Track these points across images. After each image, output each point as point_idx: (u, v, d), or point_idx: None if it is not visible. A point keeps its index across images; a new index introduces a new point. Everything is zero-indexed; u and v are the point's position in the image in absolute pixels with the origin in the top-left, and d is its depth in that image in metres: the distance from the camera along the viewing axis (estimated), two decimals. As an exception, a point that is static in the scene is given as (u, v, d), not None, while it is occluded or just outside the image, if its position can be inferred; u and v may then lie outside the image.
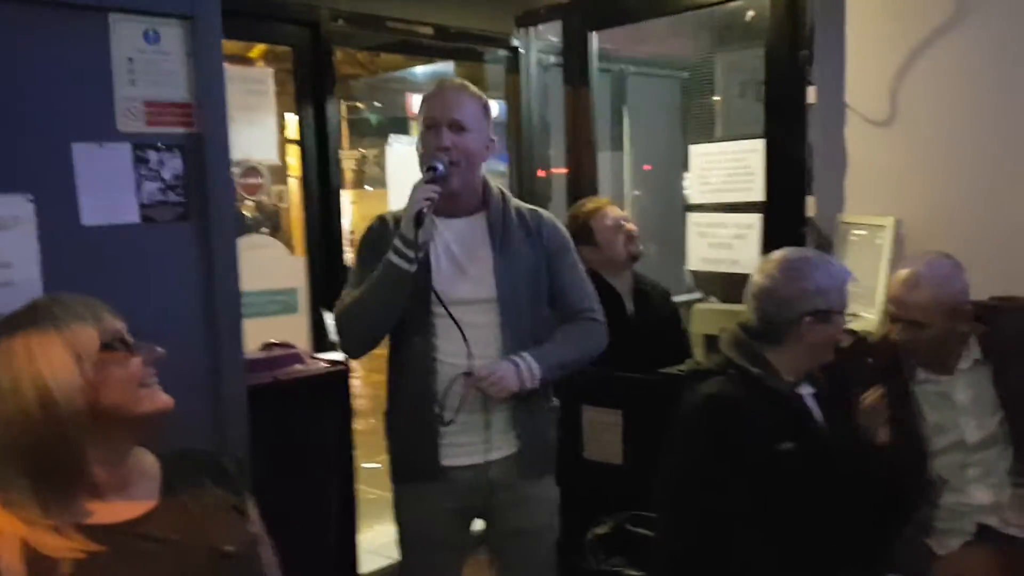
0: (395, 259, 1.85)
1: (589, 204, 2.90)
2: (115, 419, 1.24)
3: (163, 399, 1.30)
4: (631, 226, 2.86)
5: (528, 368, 1.89)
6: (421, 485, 1.98)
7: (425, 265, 1.90)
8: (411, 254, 1.81)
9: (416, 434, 1.96)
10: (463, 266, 1.93)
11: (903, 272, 2.07)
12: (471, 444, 1.94)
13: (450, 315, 1.88)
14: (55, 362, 1.19)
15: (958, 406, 2.09)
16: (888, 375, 2.11)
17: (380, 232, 1.99)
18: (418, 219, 1.80)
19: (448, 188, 1.89)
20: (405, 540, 2.07)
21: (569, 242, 2.07)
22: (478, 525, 2.09)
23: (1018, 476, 2.05)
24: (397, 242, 1.85)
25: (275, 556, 1.46)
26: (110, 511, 1.25)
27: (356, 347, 2.01)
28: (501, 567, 2.09)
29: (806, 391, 1.91)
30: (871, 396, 1.96)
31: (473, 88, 2.00)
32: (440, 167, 1.87)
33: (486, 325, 1.93)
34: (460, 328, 1.88)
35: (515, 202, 2.05)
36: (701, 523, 1.80)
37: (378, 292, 1.89)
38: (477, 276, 1.93)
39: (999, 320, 2.15)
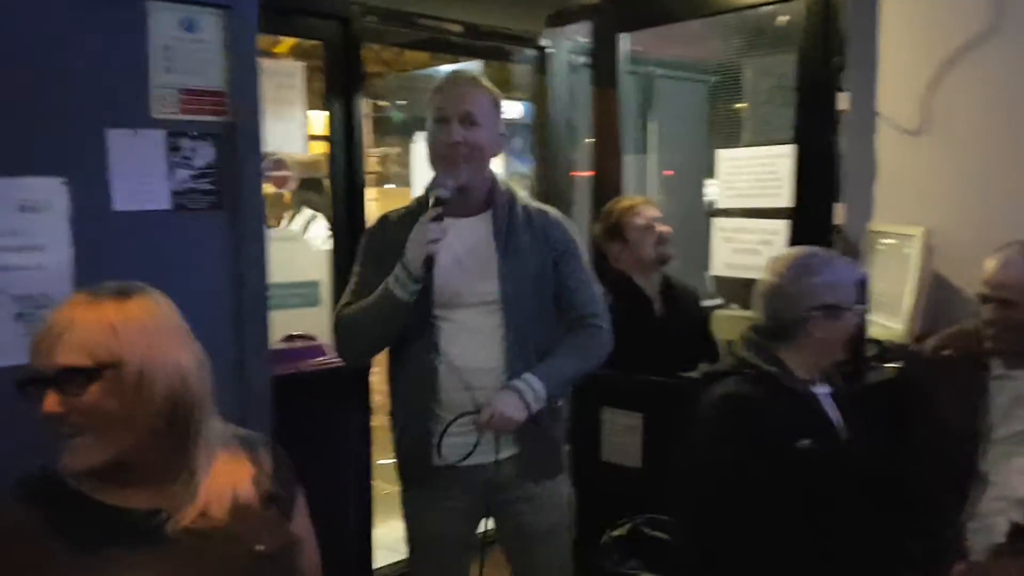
0: (396, 289, 1.83)
1: (625, 201, 2.89)
2: None
3: (63, 463, 1.17)
4: (664, 228, 2.84)
5: (532, 391, 1.87)
6: (426, 485, 1.98)
7: (429, 276, 1.87)
8: (414, 288, 1.82)
9: (419, 434, 1.95)
10: (467, 267, 1.91)
11: (997, 255, 2.12)
12: (479, 444, 1.91)
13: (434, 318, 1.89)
14: None
15: None
16: (964, 367, 2.14)
17: (381, 233, 1.98)
18: (428, 263, 1.79)
19: (458, 184, 1.87)
20: (413, 539, 2.07)
21: (577, 243, 2.03)
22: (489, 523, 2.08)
23: None
24: (400, 273, 1.82)
25: (318, 561, 1.44)
26: (144, 497, 1.23)
27: (353, 357, 2.05)
28: (516, 568, 2.08)
29: (822, 391, 1.91)
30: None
31: (485, 81, 1.98)
32: (445, 195, 1.83)
33: (489, 328, 1.91)
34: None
35: (524, 201, 2.01)
36: (718, 524, 1.79)
37: (376, 314, 1.88)
38: (481, 278, 1.90)
39: None
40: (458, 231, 1.91)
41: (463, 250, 1.92)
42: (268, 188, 4.03)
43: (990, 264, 2.12)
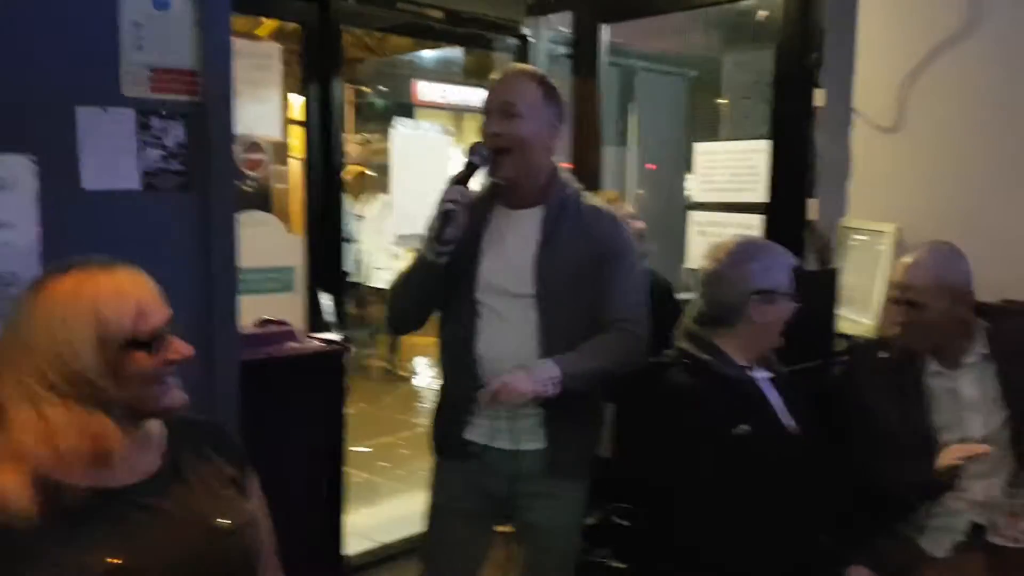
0: (424, 249, 1.89)
1: (600, 196, 2.89)
2: (120, 406, 1.23)
3: (171, 400, 1.27)
4: (639, 224, 2.84)
5: (545, 370, 1.81)
6: (455, 458, 2.00)
7: (474, 251, 1.91)
8: (438, 248, 1.84)
9: (451, 410, 2.00)
10: (509, 259, 1.91)
11: (905, 258, 2.13)
12: (500, 431, 1.92)
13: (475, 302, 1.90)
14: (78, 336, 1.18)
15: (964, 401, 2.12)
16: (901, 368, 2.15)
17: None
18: (445, 219, 1.80)
19: (498, 177, 1.89)
20: (430, 510, 2.08)
21: (624, 246, 1.96)
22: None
23: (1015, 485, 2.06)
24: (428, 233, 1.88)
25: (273, 538, 1.45)
26: (109, 475, 1.23)
27: (397, 324, 2.11)
28: (524, 559, 2.08)
29: (761, 375, 1.94)
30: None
31: (534, 72, 1.95)
32: (477, 161, 1.85)
33: (525, 319, 1.89)
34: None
35: (586, 198, 1.97)
36: (675, 513, 1.82)
37: (410, 277, 1.95)
38: (520, 270, 1.90)
39: (1006, 320, 2.18)
40: (510, 222, 1.93)
41: (511, 241, 1.92)
42: (354, 170, 3.94)
43: (900, 265, 2.13)
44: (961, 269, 2.10)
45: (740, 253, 1.91)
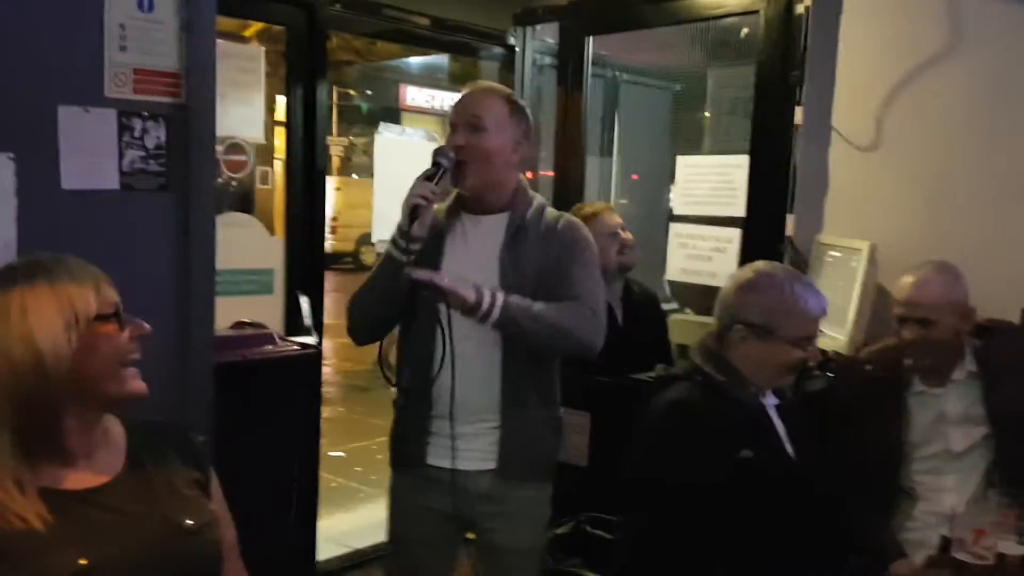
0: (391, 249, 1.90)
1: (587, 208, 2.90)
2: (90, 390, 1.24)
3: (138, 386, 1.29)
4: (627, 235, 2.86)
5: (489, 289, 1.84)
6: (408, 474, 2.00)
7: (438, 255, 1.93)
8: (403, 244, 1.85)
9: (411, 423, 1.98)
10: (473, 258, 1.94)
11: (911, 276, 2.16)
12: (457, 450, 1.92)
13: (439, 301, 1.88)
14: (46, 323, 1.19)
15: (948, 417, 2.16)
16: (884, 383, 2.18)
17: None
18: (412, 214, 1.82)
19: (462, 186, 1.92)
20: (392, 537, 2.08)
21: (580, 242, 1.99)
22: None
23: (982, 500, 2.10)
24: (395, 232, 1.89)
25: (235, 535, 1.46)
26: (73, 478, 1.25)
27: (359, 332, 2.04)
28: None
29: (771, 402, 1.93)
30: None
31: (501, 89, 2.01)
32: (444, 163, 1.88)
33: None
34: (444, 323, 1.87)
35: (549, 210, 2.02)
36: (660, 526, 1.81)
37: (377, 279, 1.94)
38: (484, 268, 1.92)
39: (993, 339, 2.23)
40: (476, 225, 1.97)
41: (476, 240, 1.96)
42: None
43: (905, 284, 2.15)
44: (963, 286, 2.15)
45: (753, 281, 1.88)
